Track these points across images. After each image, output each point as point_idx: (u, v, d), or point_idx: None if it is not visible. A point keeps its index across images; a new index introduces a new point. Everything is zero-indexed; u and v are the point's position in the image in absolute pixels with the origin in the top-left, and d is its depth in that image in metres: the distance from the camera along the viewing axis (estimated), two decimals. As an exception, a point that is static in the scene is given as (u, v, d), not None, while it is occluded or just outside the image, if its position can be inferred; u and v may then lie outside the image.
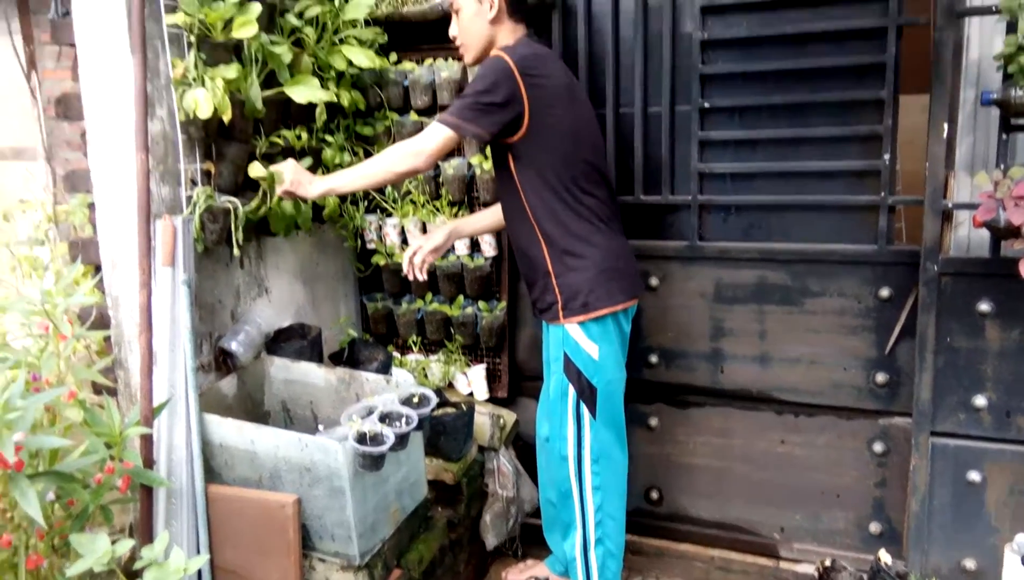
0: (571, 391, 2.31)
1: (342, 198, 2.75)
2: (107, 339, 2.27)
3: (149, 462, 2.01)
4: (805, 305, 2.54)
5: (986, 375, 2.29)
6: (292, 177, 2.25)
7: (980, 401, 2.30)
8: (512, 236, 2.39)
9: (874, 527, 2.57)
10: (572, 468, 2.36)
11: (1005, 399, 2.28)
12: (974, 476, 2.32)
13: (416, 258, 2.38)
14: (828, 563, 2.44)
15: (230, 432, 2.12)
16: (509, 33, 2.26)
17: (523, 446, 2.92)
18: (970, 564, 2.37)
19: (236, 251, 2.25)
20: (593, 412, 2.30)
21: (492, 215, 2.53)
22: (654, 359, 2.75)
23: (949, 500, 2.37)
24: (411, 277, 2.42)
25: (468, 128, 2.12)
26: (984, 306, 2.26)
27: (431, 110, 2.75)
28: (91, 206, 2.25)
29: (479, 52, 2.30)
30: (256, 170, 2.24)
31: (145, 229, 2.02)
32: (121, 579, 1.85)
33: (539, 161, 2.20)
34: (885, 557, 2.38)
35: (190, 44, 2.13)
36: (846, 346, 2.51)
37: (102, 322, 2.27)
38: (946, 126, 2.22)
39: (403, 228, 2.83)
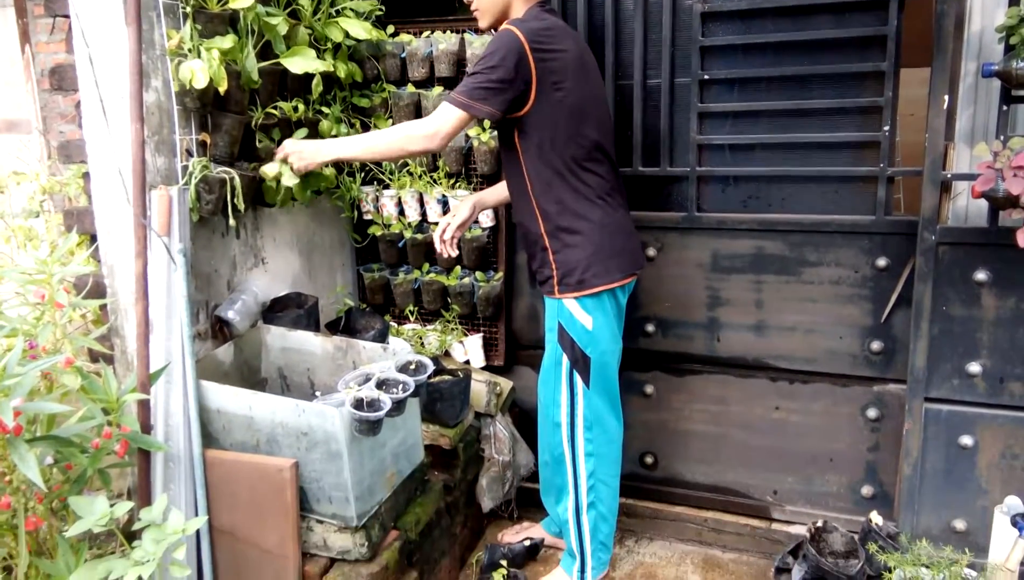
0: (565, 360, 2.32)
1: (338, 169, 2.75)
2: (103, 308, 2.30)
3: (146, 427, 2.04)
4: (802, 275, 2.54)
5: (981, 343, 2.29)
6: (294, 151, 2.29)
7: (974, 368, 2.30)
8: (513, 208, 2.39)
9: (866, 490, 2.59)
10: (565, 434, 2.38)
11: (999, 366, 2.28)
12: (966, 440, 2.34)
13: (446, 234, 2.41)
14: (820, 524, 2.47)
15: (227, 398, 2.14)
16: (523, 2, 2.25)
17: (519, 413, 2.95)
18: (960, 525, 2.40)
19: (232, 221, 2.26)
20: (586, 381, 2.32)
21: None
22: (651, 328, 2.76)
23: (941, 464, 2.38)
24: (444, 254, 2.46)
25: (480, 108, 2.10)
26: (981, 275, 2.26)
27: (428, 82, 2.74)
28: (86, 177, 2.26)
29: (494, 18, 2.29)
30: (270, 170, 2.31)
31: (140, 199, 2.03)
32: (121, 540, 1.89)
33: (542, 136, 2.19)
34: (876, 518, 2.41)
35: (185, 15, 2.12)
36: (842, 315, 2.51)
37: (98, 291, 2.29)
38: (946, 98, 2.20)
39: (400, 199, 2.83)
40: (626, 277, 2.30)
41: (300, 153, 2.29)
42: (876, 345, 2.47)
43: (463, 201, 2.51)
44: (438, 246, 2.43)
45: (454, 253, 2.45)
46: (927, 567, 2.26)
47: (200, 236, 2.29)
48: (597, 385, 2.34)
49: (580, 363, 2.31)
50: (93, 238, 2.25)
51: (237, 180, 2.22)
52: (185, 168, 2.17)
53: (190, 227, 2.14)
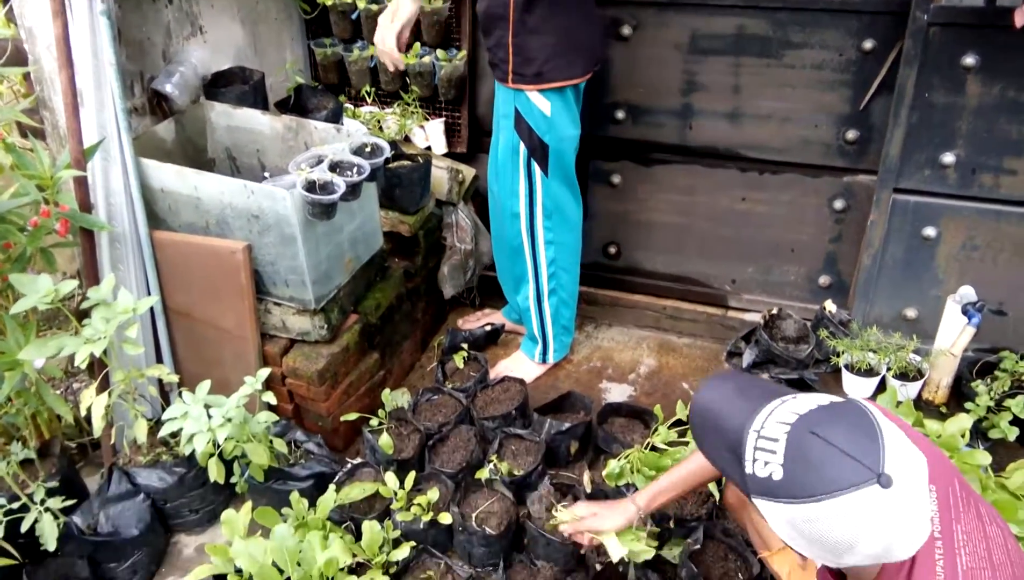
0: (522, 148, 2.22)
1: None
2: (27, 78, 2.11)
3: (86, 206, 1.94)
4: (784, 57, 2.39)
5: (959, 132, 2.22)
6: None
7: (948, 158, 2.25)
8: None
9: (823, 280, 2.63)
10: (524, 225, 2.33)
11: (974, 156, 2.23)
12: (929, 232, 2.34)
13: (387, 45, 2.15)
14: (775, 311, 2.53)
15: (170, 177, 2.03)
16: None
17: (482, 201, 2.87)
18: (911, 314, 2.46)
19: (160, -21, 2.02)
20: (545, 170, 2.23)
21: None
22: (620, 115, 2.63)
23: (901, 255, 2.40)
24: (392, 69, 2.25)
25: None
26: (969, 59, 2.14)
27: None
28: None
29: None
30: None
31: (49, -53, 1.78)
32: (71, 320, 1.85)
33: None
34: (830, 306, 2.46)
35: None
36: (821, 101, 2.40)
37: (19, 59, 2.08)
38: None
39: (350, -38, 2.55)
40: (586, 73, 2.17)
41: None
42: (851, 134, 2.39)
43: None
44: (385, 61, 2.20)
45: (402, 65, 2.24)
46: (874, 352, 2.34)
47: (127, -2, 2.05)
48: (556, 173, 2.25)
49: (538, 151, 2.21)
50: (4, -3, 2.01)
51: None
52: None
53: (112, -15, 1.91)
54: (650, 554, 1.71)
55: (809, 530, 1.01)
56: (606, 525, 1.68)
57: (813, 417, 1.04)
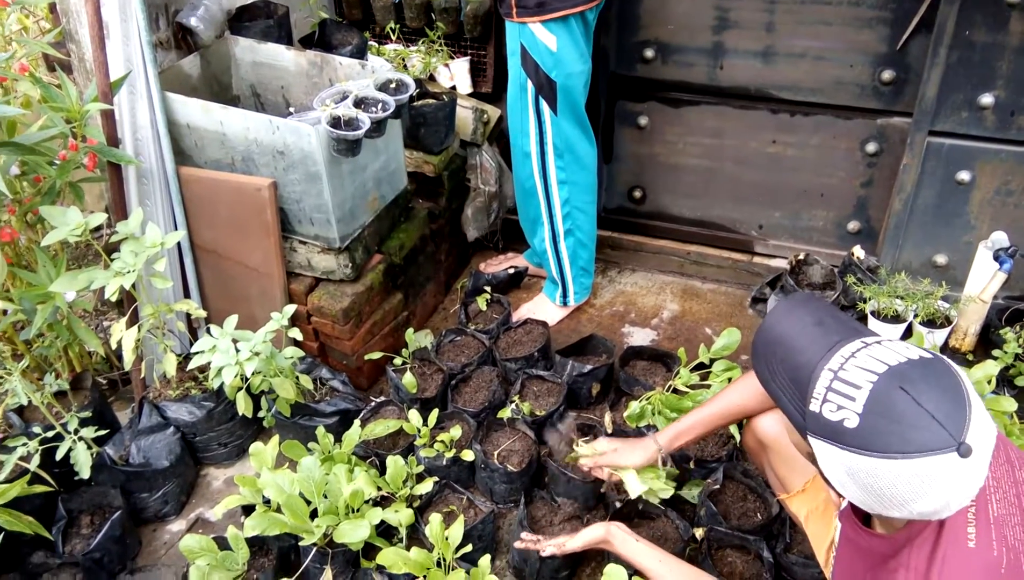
0: (530, 86, 2.18)
1: None
2: (53, 10, 2.09)
3: (114, 140, 1.94)
4: (820, -7, 2.32)
5: (999, 72, 2.15)
6: None
7: (986, 99, 2.18)
8: None
9: (852, 225, 2.59)
10: (535, 164, 2.30)
11: (1014, 97, 2.16)
12: (963, 176, 2.28)
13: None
14: (801, 257, 2.49)
15: (196, 112, 2.02)
16: None
17: (507, 142, 2.84)
18: (941, 260, 2.42)
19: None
20: (553, 107, 2.19)
21: None
22: (650, 54, 2.57)
23: (933, 200, 2.35)
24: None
25: None
26: (1014, -5, 2.05)
27: None
28: None
29: None
30: None
31: None
32: (100, 254, 1.87)
33: None
34: (859, 252, 2.43)
35: None
36: (857, 40, 2.33)
37: (44, -10, 2.06)
38: None
39: None
40: (591, 0, 2.09)
41: None
42: (887, 74, 2.32)
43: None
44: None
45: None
46: (902, 298, 2.31)
47: (149, -73, 2.02)
48: (565, 111, 2.22)
49: (546, 88, 2.17)
50: (26, -75, 1.98)
51: None
52: None
53: (134, -87, 1.88)
54: (668, 492, 1.72)
55: (868, 482, 0.97)
56: (626, 461, 1.69)
57: (905, 371, 0.98)
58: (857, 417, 0.97)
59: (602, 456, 1.72)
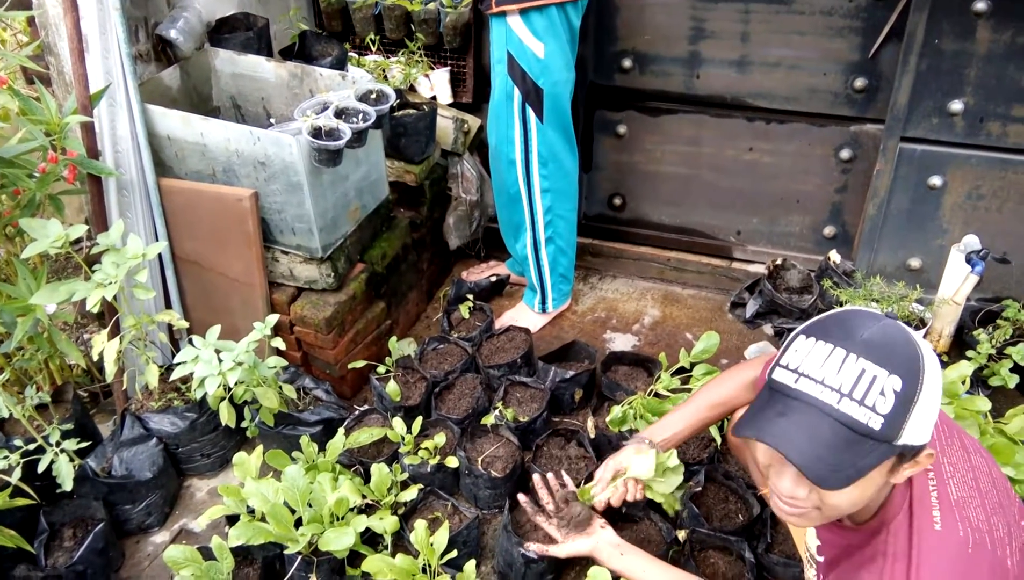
0: (516, 93, 2.20)
1: None
2: (32, 23, 2.09)
3: (94, 152, 1.94)
4: (793, 4, 2.36)
5: (968, 79, 2.20)
6: None
7: (956, 106, 2.23)
8: None
9: (828, 230, 2.63)
10: (520, 172, 2.33)
11: (982, 104, 2.21)
12: (935, 181, 2.33)
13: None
14: (779, 261, 2.53)
15: (176, 124, 2.03)
16: None
17: (488, 152, 2.87)
18: (915, 263, 2.47)
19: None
20: (540, 115, 2.22)
21: None
22: (627, 64, 2.60)
23: (906, 204, 2.40)
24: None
25: None
26: (980, 5, 2.11)
27: None
28: None
29: None
30: None
31: None
32: (81, 266, 1.87)
33: None
34: (835, 256, 2.47)
35: None
36: (830, 49, 2.38)
37: (23, 3, 2.07)
38: None
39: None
40: None
41: None
42: (860, 82, 2.37)
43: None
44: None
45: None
46: (877, 301, 2.35)
47: (128, -60, 2.03)
48: (551, 118, 2.24)
49: (532, 95, 2.19)
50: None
51: None
52: None
53: (114, -74, 1.89)
54: (679, 474, 1.69)
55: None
56: (626, 454, 1.69)
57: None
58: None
59: (606, 467, 1.70)
